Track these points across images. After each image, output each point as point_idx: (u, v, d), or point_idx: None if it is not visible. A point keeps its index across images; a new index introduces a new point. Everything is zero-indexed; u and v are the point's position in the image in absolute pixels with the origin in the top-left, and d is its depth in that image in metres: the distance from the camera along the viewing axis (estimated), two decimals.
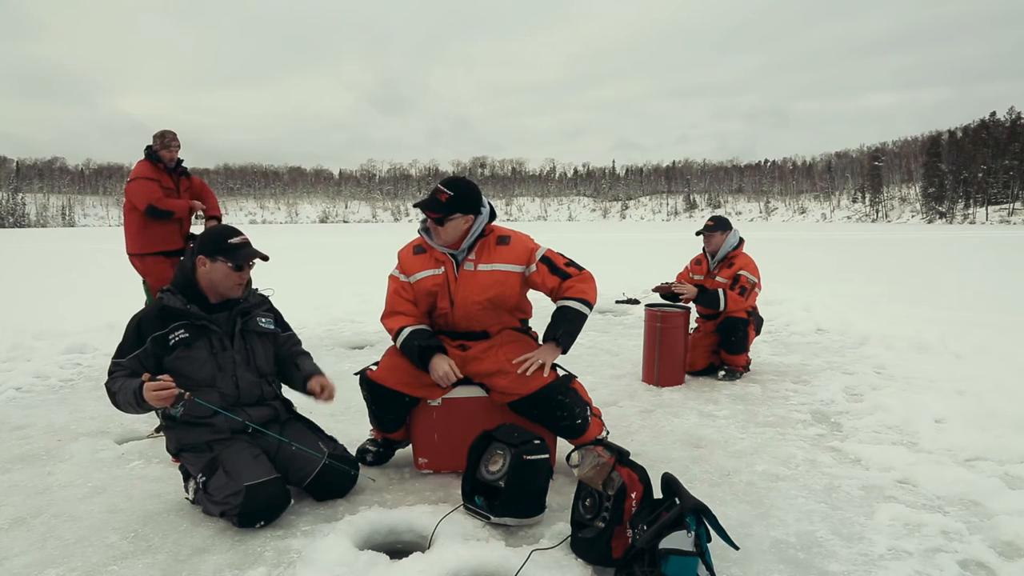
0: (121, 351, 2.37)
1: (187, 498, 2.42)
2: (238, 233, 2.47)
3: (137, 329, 2.37)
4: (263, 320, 2.56)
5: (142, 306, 3.65)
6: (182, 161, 4.29)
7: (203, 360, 2.37)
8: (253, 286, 2.60)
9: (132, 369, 2.31)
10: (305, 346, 2.76)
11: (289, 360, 2.63)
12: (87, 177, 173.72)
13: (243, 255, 2.41)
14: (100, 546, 2.12)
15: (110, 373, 2.34)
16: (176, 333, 2.36)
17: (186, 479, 2.43)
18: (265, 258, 2.45)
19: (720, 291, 4.31)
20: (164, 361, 2.34)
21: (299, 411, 2.69)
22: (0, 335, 5.05)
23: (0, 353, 4.67)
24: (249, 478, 2.20)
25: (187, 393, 2.22)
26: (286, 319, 2.73)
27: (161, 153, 4.14)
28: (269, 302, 2.67)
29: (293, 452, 2.43)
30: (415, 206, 2.66)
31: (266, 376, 2.56)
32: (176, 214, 4.17)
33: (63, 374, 4.41)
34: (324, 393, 2.49)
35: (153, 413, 3.16)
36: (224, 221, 3.91)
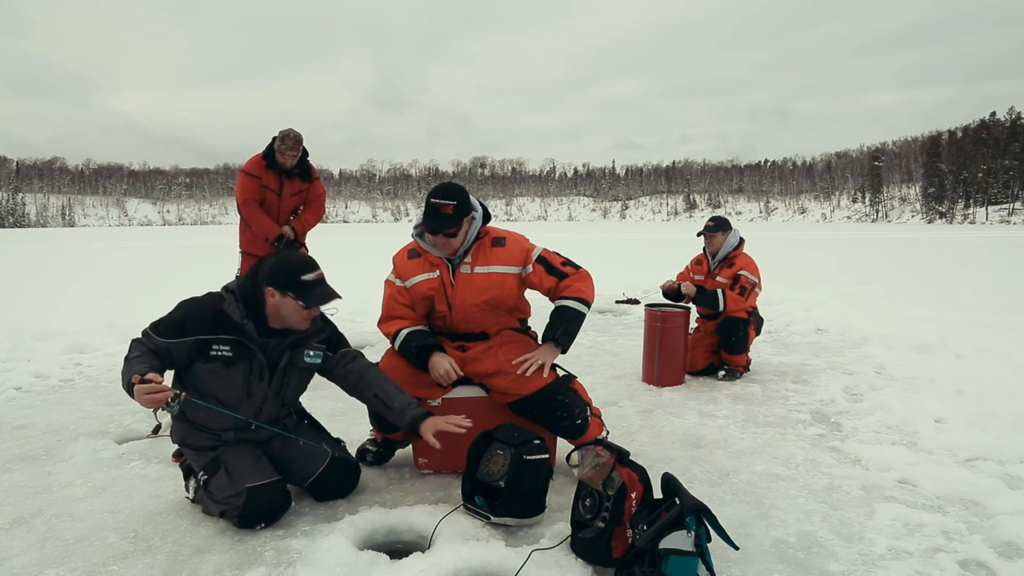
0: (158, 327, 2.21)
1: (187, 497, 2.42)
2: (313, 267, 2.25)
3: (184, 322, 2.21)
4: (310, 355, 2.39)
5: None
6: (307, 155, 4.28)
7: (235, 383, 2.26)
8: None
9: (156, 350, 2.19)
10: None
11: (361, 387, 2.43)
12: (87, 177, 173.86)
13: (315, 296, 2.21)
14: (100, 546, 2.12)
15: (134, 344, 2.20)
16: (220, 347, 2.22)
17: (186, 477, 2.43)
18: (339, 298, 2.27)
19: (719, 291, 4.31)
20: (195, 365, 2.23)
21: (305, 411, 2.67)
22: (0, 335, 5.05)
23: (0, 353, 4.67)
24: (250, 480, 2.20)
25: (183, 393, 2.11)
26: (341, 331, 2.53)
27: (276, 155, 4.15)
28: (327, 329, 2.46)
29: (296, 452, 2.42)
30: (430, 232, 2.52)
31: (289, 406, 2.50)
32: (254, 230, 4.18)
33: (63, 374, 4.40)
34: (440, 440, 2.27)
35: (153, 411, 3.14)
36: (218, 221, 3.87)
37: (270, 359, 2.30)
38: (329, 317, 2.51)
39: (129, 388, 2.02)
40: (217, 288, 2.38)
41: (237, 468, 2.24)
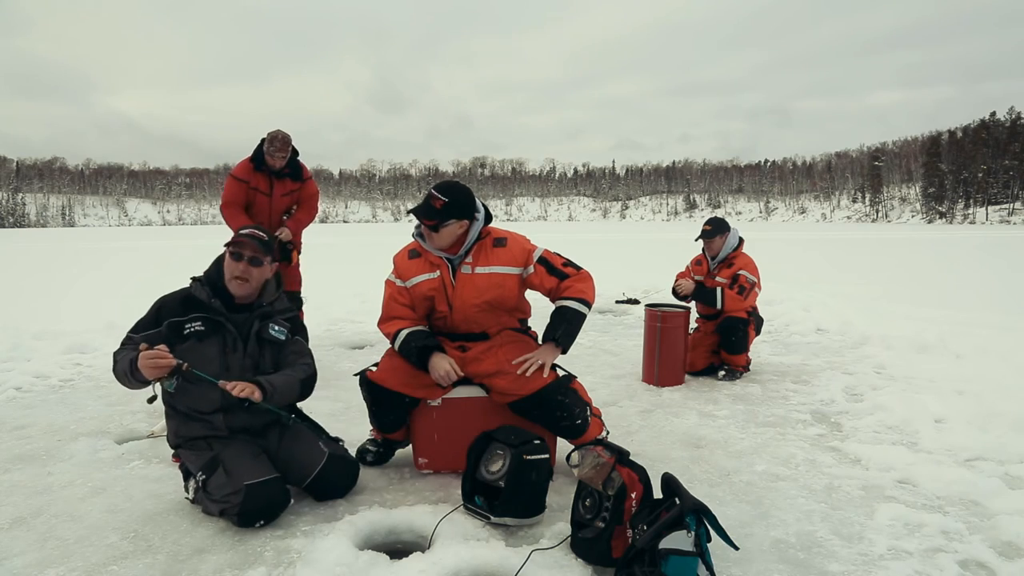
0: (137, 327, 2.39)
1: (187, 497, 2.41)
2: (255, 227, 2.49)
3: (158, 311, 2.40)
4: (275, 328, 2.50)
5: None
6: (297, 154, 4.30)
7: (212, 356, 2.36)
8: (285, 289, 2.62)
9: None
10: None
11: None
12: (87, 177, 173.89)
13: (236, 240, 2.40)
14: (100, 546, 2.12)
15: (122, 344, 2.37)
16: (193, 324, 2.37)
17: (186, 478, 2.42)
18: (264, 239, 2.43)
19: (718, 289, 4.34)
20: (174, 348, 2.31)
21: (301, 413, 2.68)
22: (0, 335, 5.05)
23: (0, 353, 4.67)
24: (249, 477, 2.20)
25: (185, 364, 2.20)
26: (306, 324, 2.71)
27: (266, 157, 4.18)
28: (293, 309, 2.63)
29: (293, 451, 2.43)
30: (410, 212, 2.64)
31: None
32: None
33: (63, 374, 4.40)
34: (235, 389, 2.26)
35: (153, 410, 3.14)
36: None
37: (241, 330, 2.44)
38: (301, 304, 2.65)
39: (130, 366, 2.17)
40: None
41: (235, 466, 2.25)
